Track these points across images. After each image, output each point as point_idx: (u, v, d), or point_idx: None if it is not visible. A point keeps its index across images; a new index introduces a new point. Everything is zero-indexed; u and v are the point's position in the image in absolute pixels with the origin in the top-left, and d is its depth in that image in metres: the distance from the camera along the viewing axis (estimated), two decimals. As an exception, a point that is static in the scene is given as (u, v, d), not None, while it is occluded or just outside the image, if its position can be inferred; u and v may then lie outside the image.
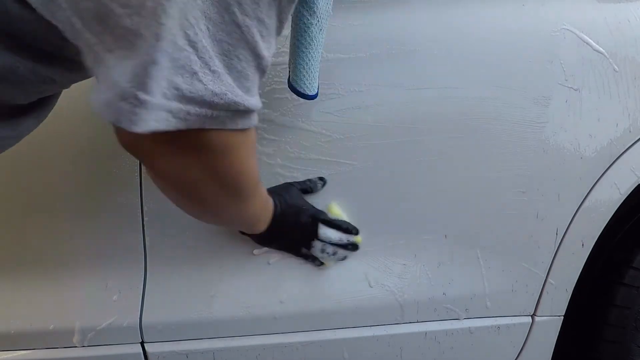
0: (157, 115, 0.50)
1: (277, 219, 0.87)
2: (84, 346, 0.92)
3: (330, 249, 0.93)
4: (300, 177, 0.93)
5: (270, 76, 0.88)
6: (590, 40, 0.97)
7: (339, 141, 0.92)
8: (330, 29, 0.87)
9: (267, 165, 0.91)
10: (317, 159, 0.92)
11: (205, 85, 0.51)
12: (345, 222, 0.94)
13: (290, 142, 0.90)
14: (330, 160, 0.92)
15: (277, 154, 0.91)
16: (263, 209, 0.84)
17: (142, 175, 0.89)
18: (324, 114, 0.90)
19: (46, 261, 0.92)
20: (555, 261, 1.03)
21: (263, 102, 0.87)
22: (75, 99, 0.80)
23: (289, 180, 0.92)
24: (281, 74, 0.88)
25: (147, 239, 0.92)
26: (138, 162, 0.88)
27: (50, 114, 0.69)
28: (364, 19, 0.91)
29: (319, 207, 0.93)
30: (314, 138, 0.91)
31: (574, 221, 1.01)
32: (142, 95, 0.48)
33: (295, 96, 0.84)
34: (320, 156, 0.92)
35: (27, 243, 0.91)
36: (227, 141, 0.60)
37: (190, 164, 0.61)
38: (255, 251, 0.94)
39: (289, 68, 0.82)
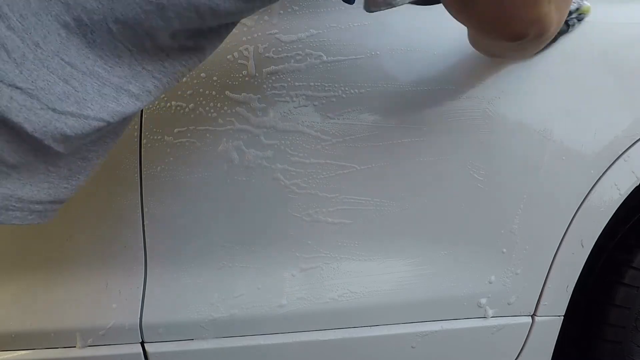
0: None
1: None
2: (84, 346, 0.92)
3: None
4: (300, 182, 0.93)
5: (270, 81, 0.88)
6: (589, 40, 0.97)
7: (339, 144, 0.91)
8: (329, 31, 0.88)
9: (267, 169, 0.91)
10: (317, 162, 0.92)
11: None
12: None
13: (291, 146, 0.90)
14: (331, 163, 0.92)
15: (277, 158, 0.90)
16: None
17: (142, 175, 0.89)
18: (324, 117, 0.90)
19: (46, 261, 0.92)
20: (555, 261, 1.03)
21: (262, 107, 0.88)
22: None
23: (289, 185, 0.92)
24: (282, 79, 0.88)
25: (147, 239, 0.92)
26: (138, 162, 0.88)
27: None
28: (364, 20, 0.91)
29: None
30: (314, 141, 0.91)
31: (574, 221, 1.02)
32: None
33: (295, 99, 0.84)
34: (320, 159, 0.91)
35: (26, 243, 0.91)
36: None
37: None
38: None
39: None
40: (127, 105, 0.57)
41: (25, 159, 0.55)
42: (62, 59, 0.53)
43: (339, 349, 0.99)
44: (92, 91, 0.55)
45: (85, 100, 0.54)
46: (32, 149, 0.54)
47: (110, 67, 0.55)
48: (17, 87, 0.51)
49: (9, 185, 0.55)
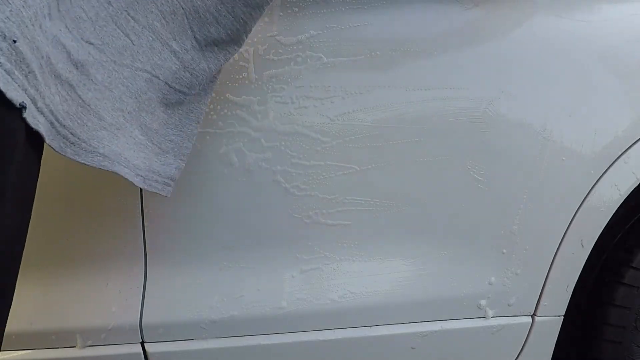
0: None
1: None
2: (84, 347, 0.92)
3: None
4: (300, 184, 0.92)
5: (270, 83, 0.88)
6: (589, 40, 0.97)
7: (339, 145, 0.91)
8: (329, 32, 0.88)
9: (267, 171, 0.91)
10: (317, 164, 0.92)
11: None
12: None
13: (290, 147, 0.90)
14: (331, 164, 0.92)
15: (277, 160, 0.91)
16: None
17: (142, 175, 0.89)
18: (323, 118, 0.90)
19: (46, 261, 0.92)
20: (555, 261, 1.03)
21: (262, 110, 0.88)
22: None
23: (289, 186, 0.92)
24: (282, 81, 0.88)
25: (147, 239, 0.92)
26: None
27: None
28: (364, 21, 0.90)
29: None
30: (314, 143, 0.91)
31: (574, 221, 1.02)
32: None
33: (295, 100, 0.84)
34: (320, 161, 0.92)
35: (26, 243, 0.91)
36: None
37: None
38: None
39: None
40: (166, 59, 0.64)
41: (116, 120, 0.62)
42: (129, 14, 0.59)
43: (339, 349, 0.99)
44: (145, 44, 0.61)
45: (138, 53, 0.61)
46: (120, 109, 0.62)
47: (166, 22, 0.62)
48: (90, 43, 0.57)
49: (113, 148, 0.63)
